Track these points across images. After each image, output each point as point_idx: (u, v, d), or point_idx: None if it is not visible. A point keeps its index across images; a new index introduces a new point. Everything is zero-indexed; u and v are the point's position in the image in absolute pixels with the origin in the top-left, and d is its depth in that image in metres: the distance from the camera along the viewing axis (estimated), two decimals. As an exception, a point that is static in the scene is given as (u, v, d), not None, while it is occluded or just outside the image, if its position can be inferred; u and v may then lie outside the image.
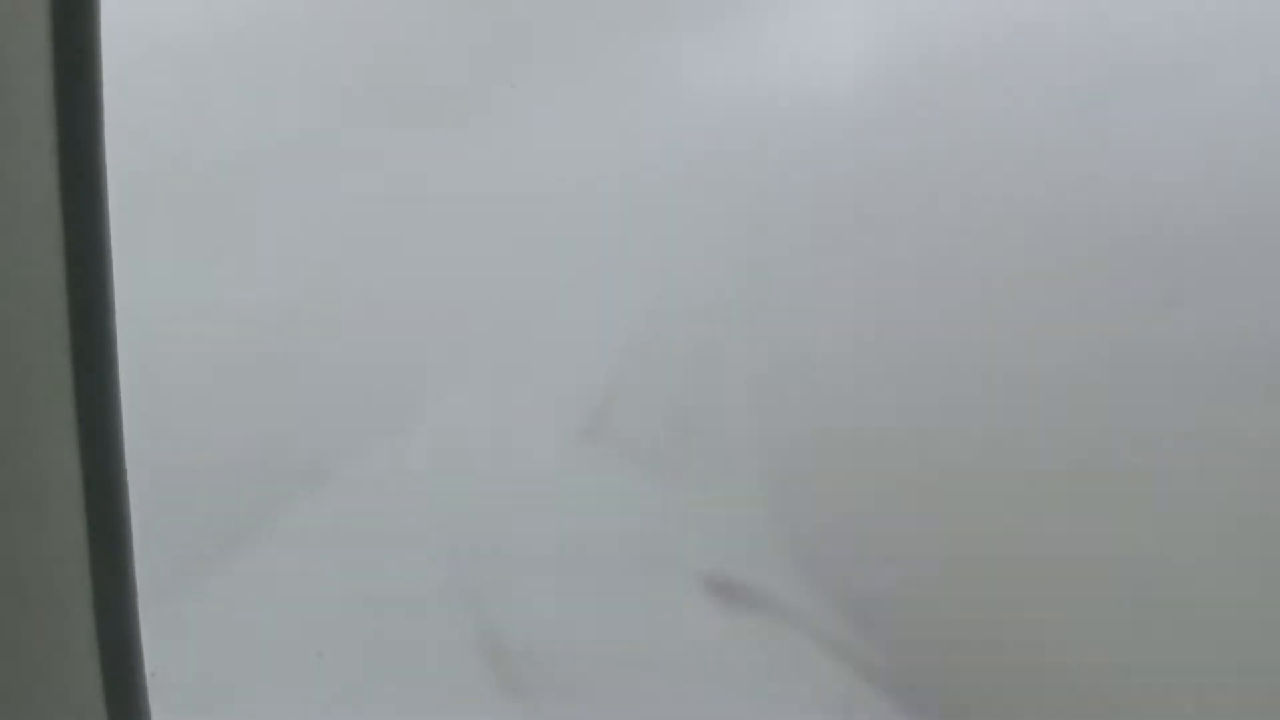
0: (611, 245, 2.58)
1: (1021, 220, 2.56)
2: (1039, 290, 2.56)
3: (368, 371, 2.63)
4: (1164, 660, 2.50)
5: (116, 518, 0.93)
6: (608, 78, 2.54)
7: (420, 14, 2.58)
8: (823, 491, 2.60)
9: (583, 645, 2.61)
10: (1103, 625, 2.53)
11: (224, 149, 2.57)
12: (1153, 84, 2.54)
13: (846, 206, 2.59)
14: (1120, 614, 2.52)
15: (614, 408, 2.61)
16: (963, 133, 2.56)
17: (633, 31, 2.57)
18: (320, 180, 2.58)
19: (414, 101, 2.59)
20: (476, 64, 2.55)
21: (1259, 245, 2.53)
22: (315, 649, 2.57)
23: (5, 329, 0.86)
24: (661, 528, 2.62)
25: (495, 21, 2.57)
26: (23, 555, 0.89)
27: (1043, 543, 2.54)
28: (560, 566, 2.61)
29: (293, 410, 2.62)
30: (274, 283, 2.62)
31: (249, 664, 2.54)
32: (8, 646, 0.88)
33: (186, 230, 2.58)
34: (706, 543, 2.62)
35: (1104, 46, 2.55)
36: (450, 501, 2.62)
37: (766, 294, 2.57)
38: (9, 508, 0.88)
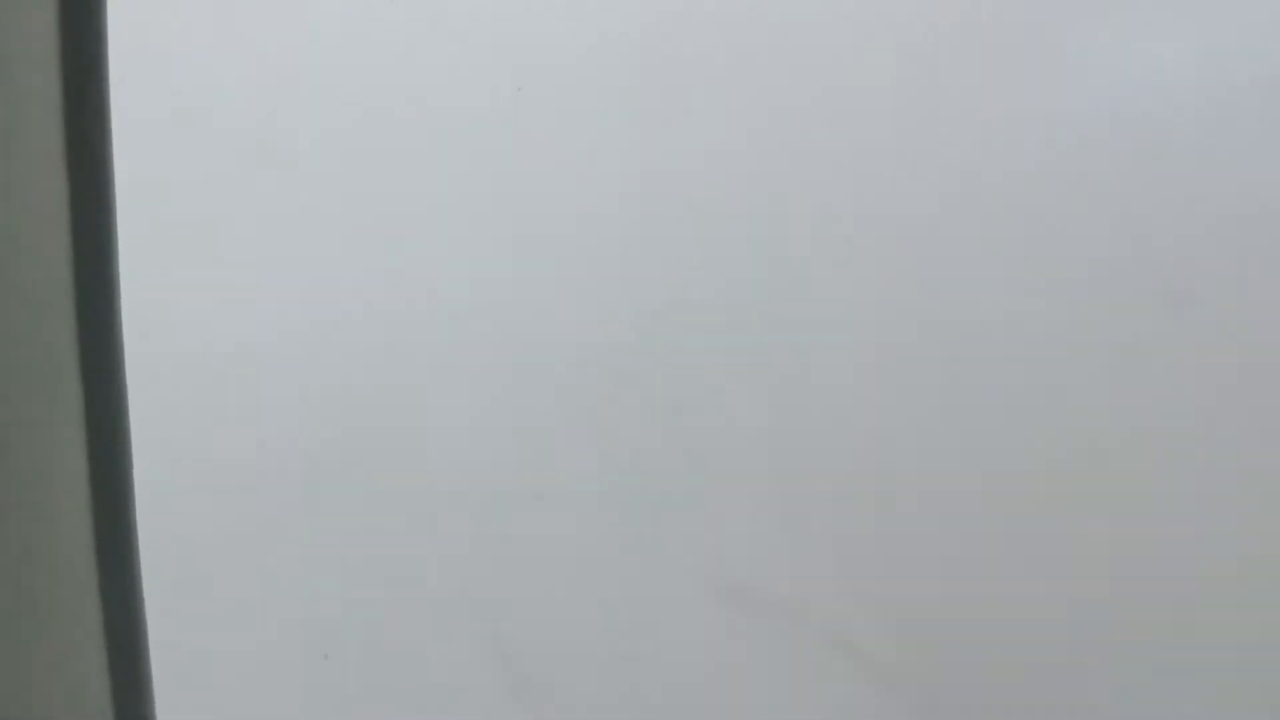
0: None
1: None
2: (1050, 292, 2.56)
3: (377, 372, 2.63)
4: (1163, 660, 2.51)
5: (123, 521, 0.94)
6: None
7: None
8: (829, 493, 2.60)
9: (589, 648, 2.61)
10: (1103, 627, 2.53)
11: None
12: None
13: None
14: (1121, 615, 2.52)
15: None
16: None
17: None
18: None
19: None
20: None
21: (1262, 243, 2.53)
22: (321, 651, 2.58)
23: (13, 334, 0.86)
24: (668, 530, 2.62)
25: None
26: (29, 559, 0.89)
27: (1045, 544, 2.54)
28: (568, 568, 2.62)
29: (302, 409, 2.62)
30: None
31: (255, 666, 2.54)
32: (15, 652, 0.89)
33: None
34: (713, 545, 2.62)
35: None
36: (458, 503, 2.62)
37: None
38: (15, 512, 0.88)
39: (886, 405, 2.57)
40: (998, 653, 2.55)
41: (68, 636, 0.92)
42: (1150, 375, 2.54)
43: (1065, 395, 2.56)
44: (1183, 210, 2.53)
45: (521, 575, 2.63)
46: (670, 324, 2.60)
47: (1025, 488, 2.55)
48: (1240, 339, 2.52)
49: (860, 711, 2.57)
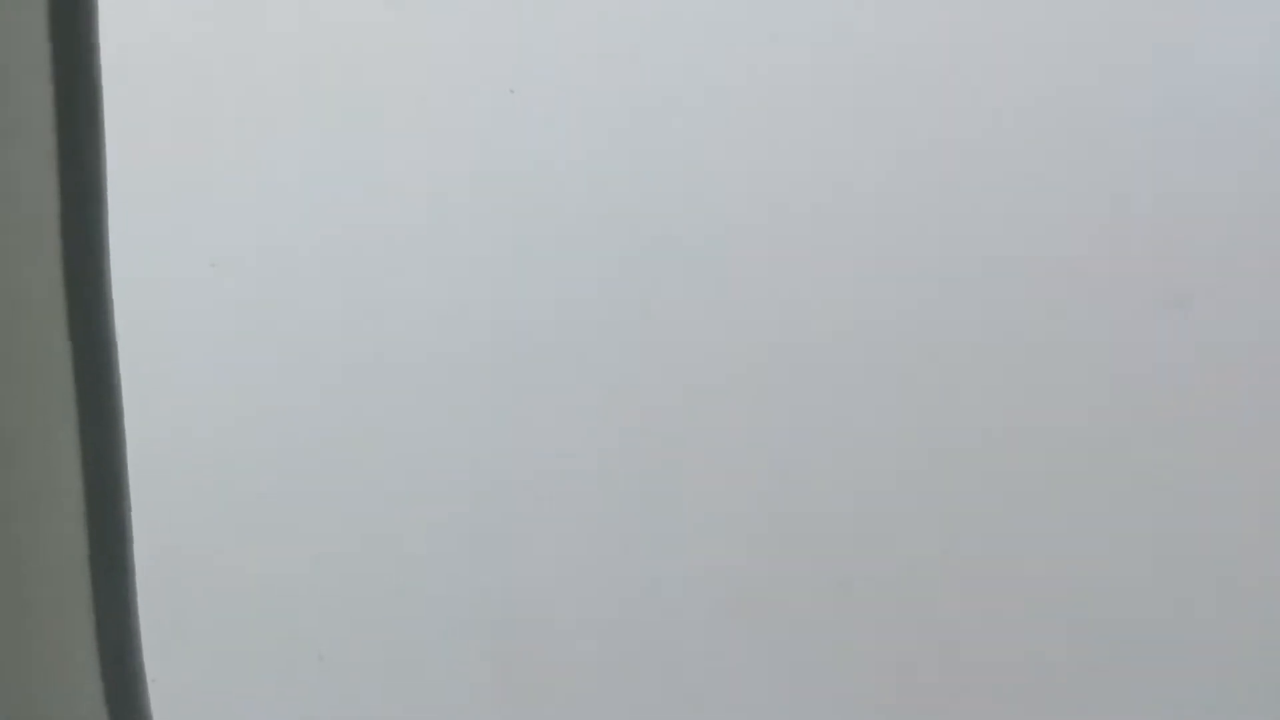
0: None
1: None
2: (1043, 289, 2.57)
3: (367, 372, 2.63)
4: (1160, 661, 2.51)
5: (117, 522, 0.93)
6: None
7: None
8: (826, 491, 2.60)
9: (588, 648, 2.61)
10: (1102, 627, 2.53)
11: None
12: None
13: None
14: (1118, 616, 2.52)
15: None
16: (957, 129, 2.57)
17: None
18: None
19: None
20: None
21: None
22: (316, 652, 2.57)
23: (4, 335, 0.86)
24: (668, 530, 2.62)
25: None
26: (22, 561, 0.89)
27: (1043, 543, 2.54)
28: (564, 567, 2.62)
29: (298, 409, 2.62)
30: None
31: (249, 668, 2.54)
32: (7, 654, 0.88)
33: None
34: (713, 546, 2.62)
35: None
36: (455, 501, 2.62)
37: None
38: (8, 514, 0.88)
39: (886, 407, 2.57)
40: (996, 653, 2.55)
41: (61, 639, 0.92)
42: (1151, 377, 2.54)
43: (1064, 396, 2.55)
44: (1185, 210, 2.53)
45: (519, 574, 2.63)
46: (668, 322, 2.59)
47: (1024, 488, 2.55)
48: (1242, 340, 2.52)
49: (858, 711, 2.57)
